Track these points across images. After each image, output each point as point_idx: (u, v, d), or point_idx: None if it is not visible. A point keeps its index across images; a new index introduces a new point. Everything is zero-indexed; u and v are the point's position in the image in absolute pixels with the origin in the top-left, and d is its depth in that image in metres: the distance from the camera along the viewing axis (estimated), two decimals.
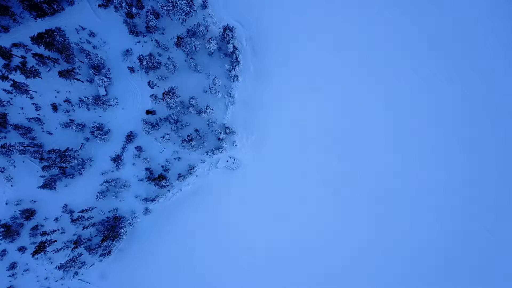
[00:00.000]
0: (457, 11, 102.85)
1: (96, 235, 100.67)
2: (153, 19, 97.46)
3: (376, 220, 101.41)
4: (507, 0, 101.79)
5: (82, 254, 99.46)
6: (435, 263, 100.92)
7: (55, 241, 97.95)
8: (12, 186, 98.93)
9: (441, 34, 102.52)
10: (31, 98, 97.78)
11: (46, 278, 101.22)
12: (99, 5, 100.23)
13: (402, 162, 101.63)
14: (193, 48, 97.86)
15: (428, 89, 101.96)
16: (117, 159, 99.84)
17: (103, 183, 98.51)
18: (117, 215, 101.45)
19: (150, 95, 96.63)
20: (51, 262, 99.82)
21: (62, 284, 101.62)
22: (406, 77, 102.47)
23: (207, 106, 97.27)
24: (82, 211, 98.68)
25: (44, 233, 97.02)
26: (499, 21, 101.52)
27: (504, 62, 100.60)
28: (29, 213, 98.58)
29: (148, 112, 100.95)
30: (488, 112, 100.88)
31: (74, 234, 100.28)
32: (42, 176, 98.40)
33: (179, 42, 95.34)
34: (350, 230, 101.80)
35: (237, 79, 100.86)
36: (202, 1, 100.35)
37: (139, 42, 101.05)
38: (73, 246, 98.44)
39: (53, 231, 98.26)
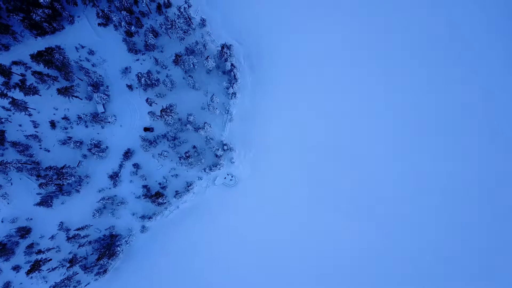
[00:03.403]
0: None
1: (92, 254, 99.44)
2: (152, 38, 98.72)
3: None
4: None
5: (77, 273, 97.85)
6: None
7: (50, 259, 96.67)
8: (8, 203, 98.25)
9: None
10: (30, 115, 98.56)
11: None
12: (99, 24, 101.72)
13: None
14: (192, 66, 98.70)
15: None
16: (114, 176, 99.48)
17: (100, 200, 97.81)
18: (113, 233, 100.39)
19: (148, 112, 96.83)
20: (46, 282, 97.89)
21: None
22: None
23: (205, 123, 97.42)
24: (78, 229, 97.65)
25: (39, 252, 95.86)
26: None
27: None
28: (24, 231, 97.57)
29: (146, 129, 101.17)
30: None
31: (70, 253, 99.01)
32: (38, 194, 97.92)
33: (177, 60, 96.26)
34: (349, 240, 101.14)
35: (235, 96, 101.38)
36: (201, 20, 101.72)
37: (138, 60, 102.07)
38: (68, 264, 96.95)
39: (49, 250, 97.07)
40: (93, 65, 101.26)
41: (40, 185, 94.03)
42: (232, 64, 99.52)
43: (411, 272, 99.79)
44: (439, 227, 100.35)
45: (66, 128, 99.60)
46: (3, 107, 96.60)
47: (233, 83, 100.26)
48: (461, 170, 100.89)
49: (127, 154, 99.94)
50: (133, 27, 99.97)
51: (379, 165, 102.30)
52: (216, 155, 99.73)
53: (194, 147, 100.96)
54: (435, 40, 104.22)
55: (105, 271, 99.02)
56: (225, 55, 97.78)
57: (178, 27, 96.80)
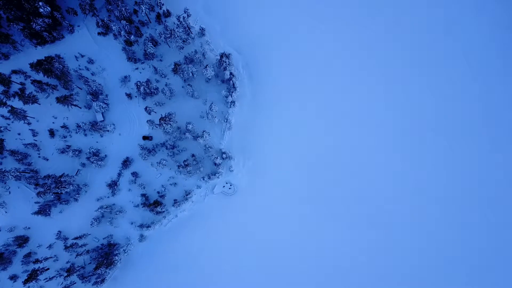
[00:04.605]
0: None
1: (90, 263, 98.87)
2: (151, 47, 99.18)
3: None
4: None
5: (75, 283, 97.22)
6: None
7: (48, 269, 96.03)
8: (6, 212, 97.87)
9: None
10: (29, 124, 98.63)
11: None
12: (98, 33, 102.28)
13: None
14: (191, 74, 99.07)
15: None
16: (113, 185, 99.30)
17: (98, 209, 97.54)
18: (111, 242, 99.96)
19: (147, 121, 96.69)
20: None
21: None
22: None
23: (204, 131, 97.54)
24: (76, 238, 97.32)
25: (36, 261, 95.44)
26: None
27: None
28: (22, 240, 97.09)
29: (144, 137, 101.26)
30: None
31: (67, 262, 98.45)
32: (36, 202, 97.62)
33: (176, 68, 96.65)
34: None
35: (234, 105, 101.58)
36: (200, 29, 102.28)
37: (137, 68, 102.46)
38: (66, 274, 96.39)
39: (46, 259, 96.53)
40: (92, 74, 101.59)
41: (38, 194, 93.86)
42: (231, 73, 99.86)
43: (410, 272, 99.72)
44: (438, 231, 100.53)
45: (65, 137, 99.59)
46: (2, 116, 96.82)
47: (232, 92, 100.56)
48: (461, 174, 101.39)
49: (126, 162, 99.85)
50: (132, 36, 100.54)
51: (379, 172, 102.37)
52: (215, 164, 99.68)
53: (193, 155, 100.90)
54: (435, 40, 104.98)
55: (102, 281, 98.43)
56: (224, 64, 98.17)
57: (177, 36, 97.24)
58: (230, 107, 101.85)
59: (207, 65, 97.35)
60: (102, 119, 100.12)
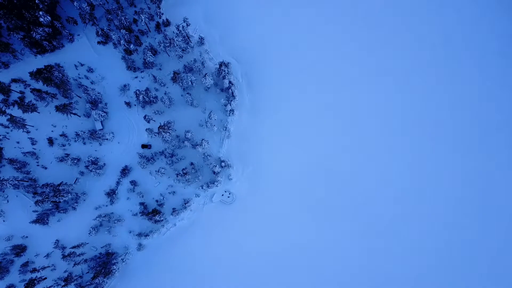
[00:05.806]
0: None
1: (88, 272, 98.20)
2: (151, 55, 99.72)
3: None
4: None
5: None
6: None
7: (45, 278, 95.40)
8: (4, 221, 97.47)
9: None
10: (28, 132, 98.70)
11: None
12: (98, 42, 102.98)
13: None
14: (190, 83, 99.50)
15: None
16: (111, 194, 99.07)
17: (97, 218, 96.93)
18: (109, 251, 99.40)
19: (146, 129, 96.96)
20: None
21: None
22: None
23: (203, 139, 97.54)
24: (74, 247, 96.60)
25: (34, 270, 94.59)
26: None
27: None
28: (19, 249, 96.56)
29: (143, 146, 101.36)
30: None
31: (65, 271, 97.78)
32: (35, 211, 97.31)
33: (175, 77, 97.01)
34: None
35: (233, 113, 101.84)
36: (199, 38, 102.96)
37: (136, 77, 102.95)
38: (63, 283, 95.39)
39: (44, 268, 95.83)
40: (92, 83, 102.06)
41: (37, 203, 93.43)
42: (230, 82, 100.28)
43: (410, 271, 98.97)
44: (448, 241, 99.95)
45: (63, 145, 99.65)
46: (2, 124, 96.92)
47: (231, 100, 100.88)
48: (462, 178, 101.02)
49: (125, 171, 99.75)
50: (132, 45, 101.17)
51: (380, 180, 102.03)
52: (214, 172, 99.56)
53: (192, 164, 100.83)
54: (435, 45, 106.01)
55: None
56: (223, 72, 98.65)
57: (177, 45, 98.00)
58: (229, 115, 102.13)
59: (206, 73, 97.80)
60: (101, 127, 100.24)
